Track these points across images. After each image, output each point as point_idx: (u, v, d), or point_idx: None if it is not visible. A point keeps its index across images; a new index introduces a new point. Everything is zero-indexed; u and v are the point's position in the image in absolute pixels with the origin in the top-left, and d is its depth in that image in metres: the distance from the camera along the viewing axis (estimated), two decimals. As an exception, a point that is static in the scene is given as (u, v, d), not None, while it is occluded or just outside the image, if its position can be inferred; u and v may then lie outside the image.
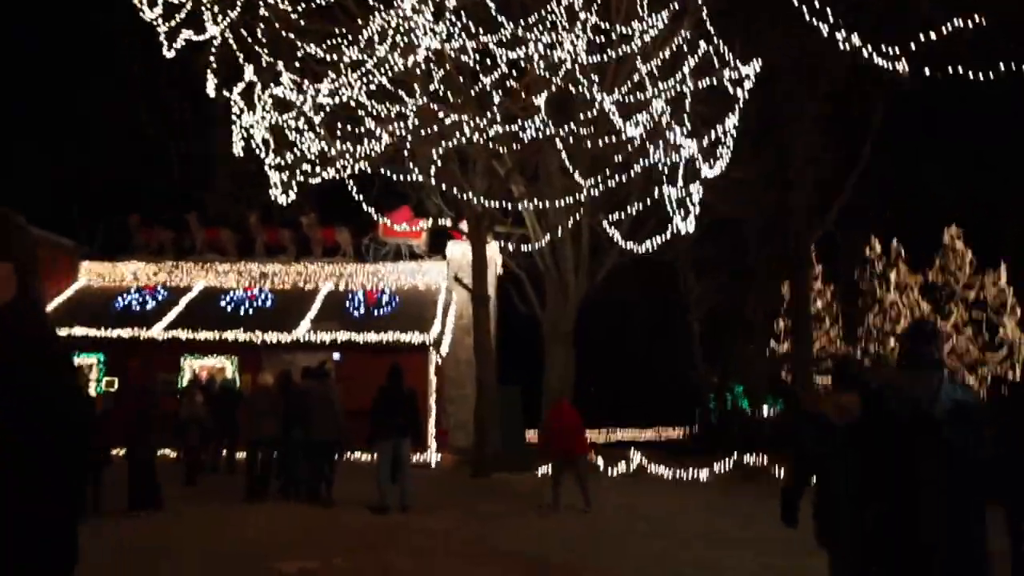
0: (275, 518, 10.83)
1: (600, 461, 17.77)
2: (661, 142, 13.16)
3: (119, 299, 21.31)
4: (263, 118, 13.18)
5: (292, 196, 13.92)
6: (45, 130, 29.73)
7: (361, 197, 15.45)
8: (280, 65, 13.02)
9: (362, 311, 20.57)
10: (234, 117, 13.96)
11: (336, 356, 18.29)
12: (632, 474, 17.61)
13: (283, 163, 13.66)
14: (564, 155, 15.50)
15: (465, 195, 15.67)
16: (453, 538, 9.68)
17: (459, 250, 21.75)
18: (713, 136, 13.63)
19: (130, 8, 12.16)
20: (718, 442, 22.01)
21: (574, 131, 13.80)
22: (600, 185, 15.26)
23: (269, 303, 21.17)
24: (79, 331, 19.82)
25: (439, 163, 14.41)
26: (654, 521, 11.37)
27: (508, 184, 17.89)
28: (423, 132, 13.05)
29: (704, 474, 17.35)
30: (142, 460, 10.88)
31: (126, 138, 26.98)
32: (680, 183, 14.18)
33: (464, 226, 22.11)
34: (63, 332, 19.78)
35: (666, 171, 13.88)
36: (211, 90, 13.49)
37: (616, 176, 14.95)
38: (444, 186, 15.80)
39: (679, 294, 30.97)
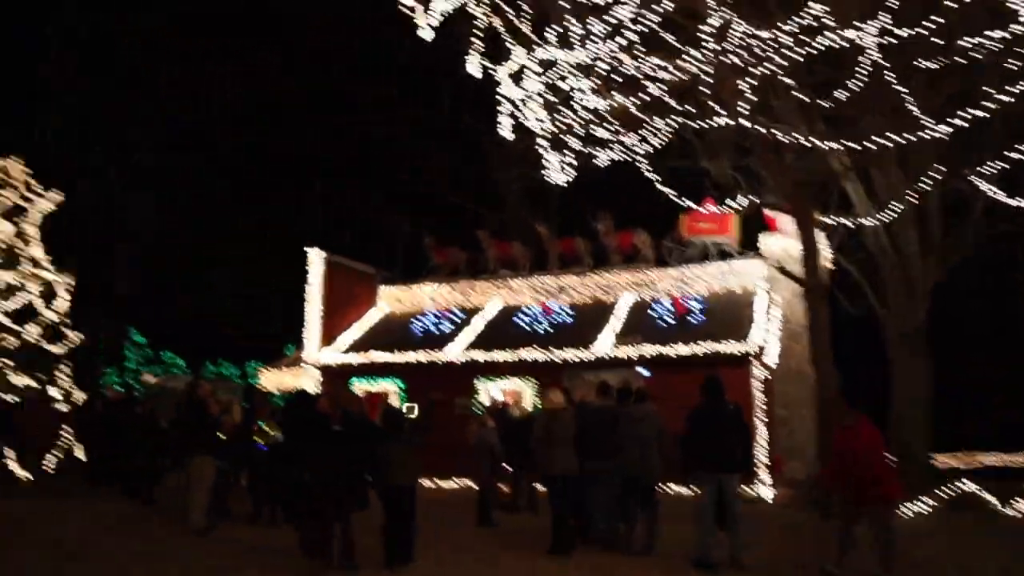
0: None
1: (991, 497, 13.71)
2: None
3: (416, 322, 20.59)
4: (532, 92, 11.23)
5: (569, 177, 11.77)
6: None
7: (656, 175, 12.95)
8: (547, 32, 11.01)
9: (670, 321, 18.04)
10: (501, 98, 12.22)
11: (644, 372, 15.89)
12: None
13: (556, 133, 11.59)
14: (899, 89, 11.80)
15: (786, 137, 12.33)
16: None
17: (777, 244, 18.57)
18: None
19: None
20: None
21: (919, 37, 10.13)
22: (956, 119, 11.23)
23: (566, 318, 19.32)
24: (378, 356, 19.32)
25: (751, 98, 11.24)
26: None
27: (822, 154, 14.35)
28: (723, 59, 10.18)
29: None
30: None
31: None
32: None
33: (772, 213, 18.90)
34: (364, 359, 19.38)
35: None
36: (474, 70, 11.79)
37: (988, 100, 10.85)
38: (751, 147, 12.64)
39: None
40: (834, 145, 11.78)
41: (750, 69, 10.57)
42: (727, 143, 20.24)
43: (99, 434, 17.10)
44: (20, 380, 17.28)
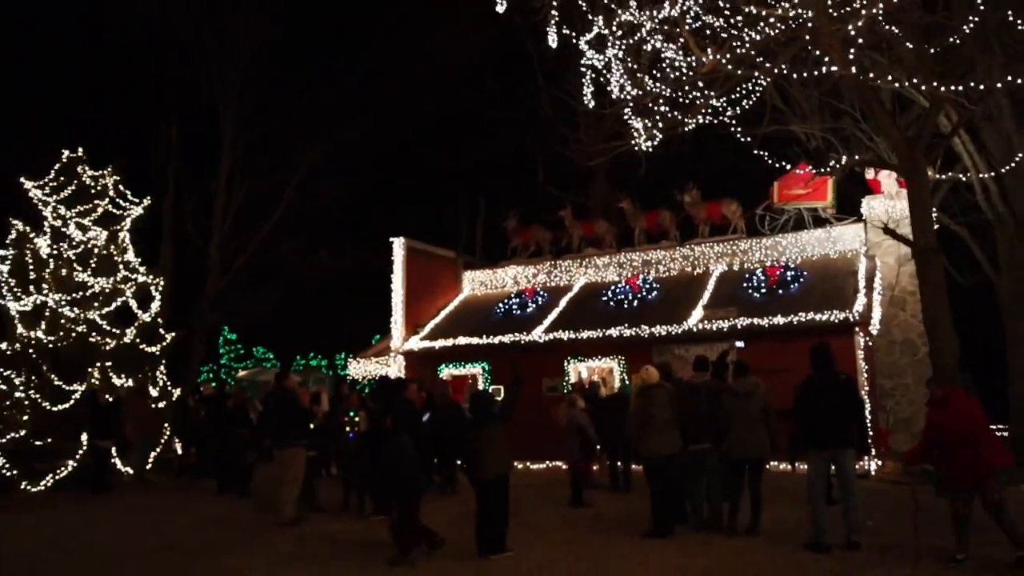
0: (670, 564, 8.04)
1: None
2: None
3: (500, 305, 20.22)
4: (614, 56, 10.66)
5: (656, 141, 11.15)
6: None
7: (748, 139, 12.20)
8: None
9: (763, 292, 17.22)
10: (583, 68, 11.70)
11: (739, 344, 15.15)
12: None
13: (641, 97, 10.97)
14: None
15: (894, 85, 11.32)
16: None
17: (879, 206, 17.49)
18: None
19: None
20: None
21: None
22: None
23: (654, 294, 18.67)
24: (463, 340, 19.03)
25: (856, 50, 10.40)
26: None
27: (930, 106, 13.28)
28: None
29: None
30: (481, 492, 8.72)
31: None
32: None
33: (874, 174, 17.82)
34: (449, 343, 19.12)
35: None
36: (552, 41, 11.34)
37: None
38: (856, 108, 11.82)
39: None
40: (944, 91, 10.79)
41: (852, 10, 9.73)
42: (818, 105, 19.24)
43: (191, 429, 17.40)
44: (120, 380, 17.65)
